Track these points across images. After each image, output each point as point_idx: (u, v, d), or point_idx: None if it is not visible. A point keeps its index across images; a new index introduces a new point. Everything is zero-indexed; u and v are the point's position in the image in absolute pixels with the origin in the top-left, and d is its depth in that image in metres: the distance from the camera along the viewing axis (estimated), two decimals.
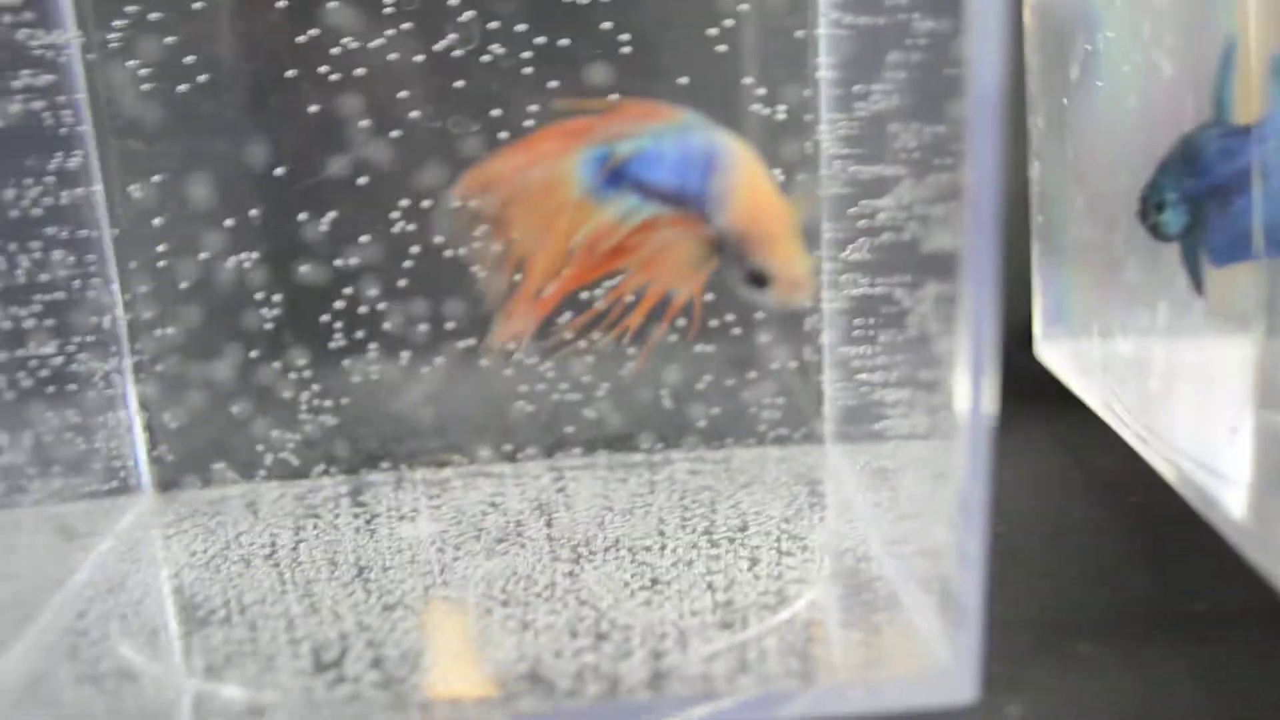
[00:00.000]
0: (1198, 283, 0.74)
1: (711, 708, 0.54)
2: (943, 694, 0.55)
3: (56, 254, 0.71)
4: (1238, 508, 0.69)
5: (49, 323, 0.71)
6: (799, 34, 0.76)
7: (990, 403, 0.53)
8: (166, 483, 0.78)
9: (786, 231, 0.53)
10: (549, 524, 0.71)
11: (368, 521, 0.73)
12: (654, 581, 0.64)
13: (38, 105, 0.70)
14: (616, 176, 0.55)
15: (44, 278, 0.70)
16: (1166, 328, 0.79)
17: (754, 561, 0.66)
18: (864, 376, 0.71)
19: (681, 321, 0.73)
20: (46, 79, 0.70)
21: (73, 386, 0.73)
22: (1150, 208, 0.74)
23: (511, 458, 0.80)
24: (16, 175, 0.68)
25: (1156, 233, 0.75)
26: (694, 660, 0.57)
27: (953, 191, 0.53)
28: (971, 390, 0.53)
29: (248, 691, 0.56)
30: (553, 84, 0.73)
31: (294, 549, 0.70)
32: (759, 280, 0.53)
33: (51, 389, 0.72)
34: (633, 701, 0.54)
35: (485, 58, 0.73)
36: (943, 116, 0.55)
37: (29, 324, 0.70)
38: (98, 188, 0.73)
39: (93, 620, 0.64)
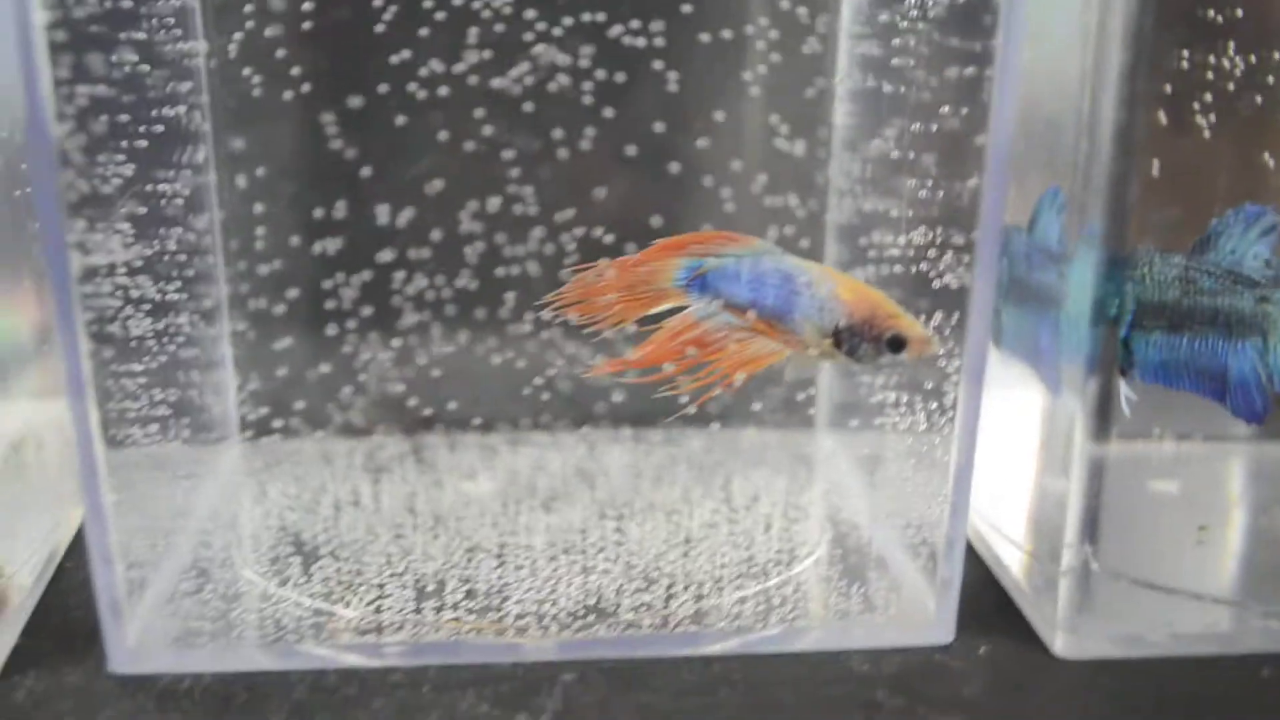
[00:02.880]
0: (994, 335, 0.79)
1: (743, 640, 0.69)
2: (927, 635, 0.70)
3: (187, 235, 0.83)
4: (1019, 571, 0.77)
5: (173, 292, 0.82)
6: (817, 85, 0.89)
7: (980, 401, 0.68)
8: (253, 432, 0.90)
9: (894, 306, 0.66)
10: (592, 487, 0.85)
11: (434, 480, 0.86)
12: (687, 539, 0.78)
13: (181, 108, 0.81)
14: (702, 284, 0.68)
15: (179, 256, 0.82)
16: None
17: (768, 526, 0.80)
18: (862, 378, 0.85)
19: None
20: (186, 84, 0.81)
21: (188, 349, 0.84)
22: None
23: (549, 428, 0.92)
24: (165, 167, 0.80)
25: None
26: (728, 602, 0.71)
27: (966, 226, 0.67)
28: (966, 393, 0.68)
29: (364, 613, 0.70)
30: (608, 113, 0.86)
31: (375, 499, 0.83)
32: (897, 346, 0.65)
33: (172, 349, 0.83)
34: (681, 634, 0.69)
35: (552, 87, 0.86)
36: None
37: (157, 296, 0.81)
38: (211, 177, 0.85)
39: (217, 550, 0.77)
